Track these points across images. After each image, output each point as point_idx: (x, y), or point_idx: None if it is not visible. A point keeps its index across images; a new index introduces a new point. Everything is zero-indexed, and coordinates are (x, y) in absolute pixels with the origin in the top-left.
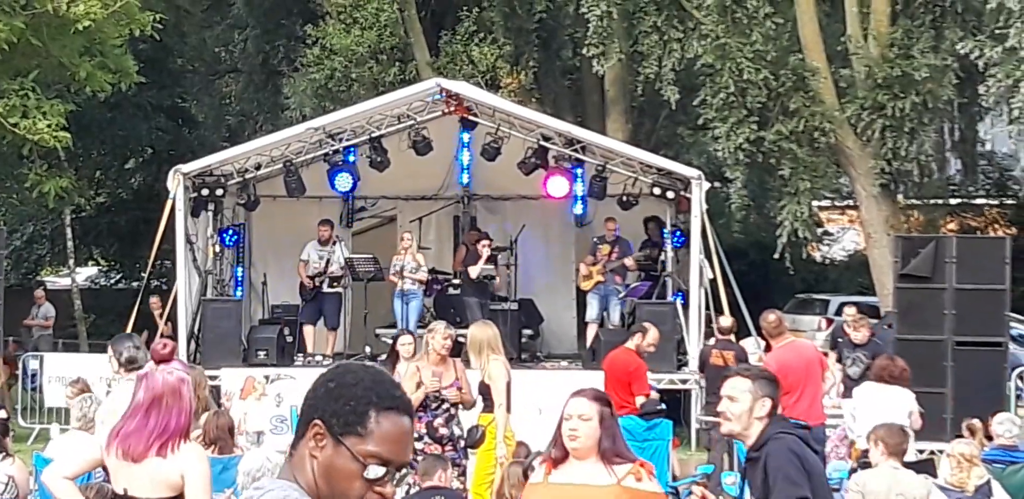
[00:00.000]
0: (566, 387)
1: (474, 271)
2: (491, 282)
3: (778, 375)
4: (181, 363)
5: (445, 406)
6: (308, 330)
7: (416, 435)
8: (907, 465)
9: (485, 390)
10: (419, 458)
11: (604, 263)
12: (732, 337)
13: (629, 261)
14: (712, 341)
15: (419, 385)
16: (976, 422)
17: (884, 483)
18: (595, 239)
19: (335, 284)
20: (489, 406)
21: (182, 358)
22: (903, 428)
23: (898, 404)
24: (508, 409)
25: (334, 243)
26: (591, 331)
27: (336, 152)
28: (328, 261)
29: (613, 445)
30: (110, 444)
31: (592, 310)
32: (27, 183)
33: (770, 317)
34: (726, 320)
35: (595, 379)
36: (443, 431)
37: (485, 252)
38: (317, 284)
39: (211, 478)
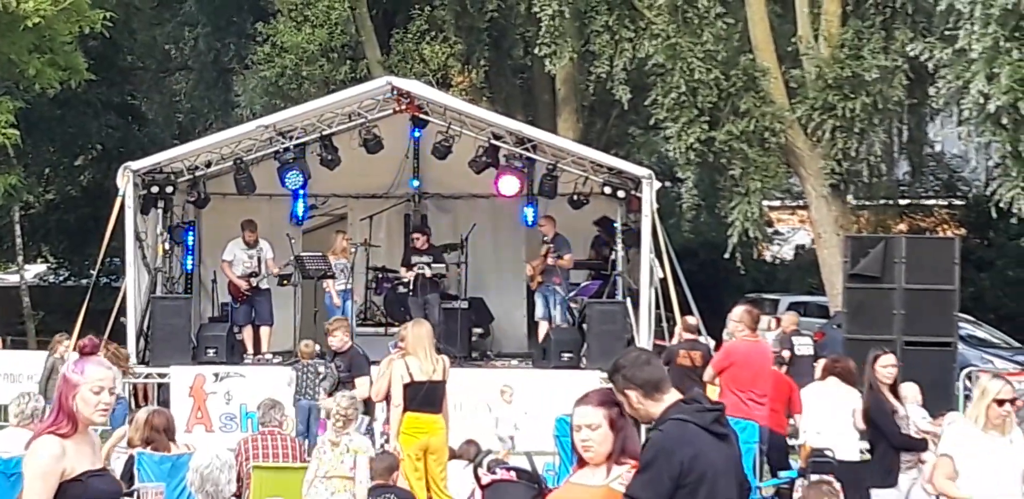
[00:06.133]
0: (516, 385)
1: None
2: (440, 280)
3: (742, 367)
4: (84, 360)
5: None
6: (247, 332)
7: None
8: (856, 464)
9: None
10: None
11: (542, 263)
12: (699, 337)
13: (563, 260)
14: (675, 341)
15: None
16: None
17: None
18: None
19: (285, 282)
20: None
21: (131, 356)
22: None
23: (845, 403)
24: (407, 408)
25: (258, 243)
26: (542, 329)
27: (287, 150)
28: (259, 260)
29: (623, 447)
30: None
31: (539, 309)
32: None
33: (753, 311)
34: (692, 319)
35: (544, 377)
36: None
37: (420, 243)
38: (253, 284)
39: (41, 475)
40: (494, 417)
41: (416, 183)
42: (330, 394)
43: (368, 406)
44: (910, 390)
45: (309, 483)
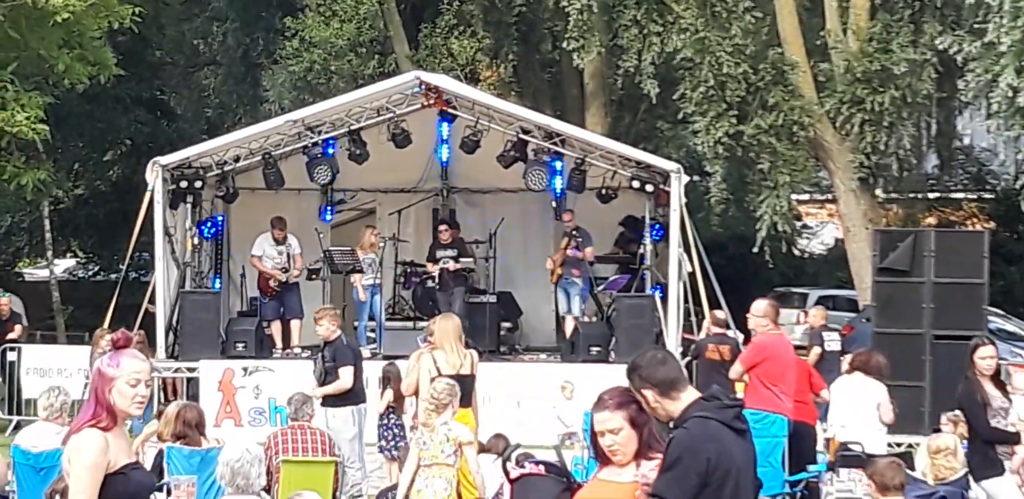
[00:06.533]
0: (545, 380)
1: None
2: (470, 274)
3: (774, 361)
4: (119, 353)
5: None
6: (276, 326)
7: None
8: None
9: None
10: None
11: (561, 256)
12: (727, 331)
13: (584, 253)
14: (703, 335)
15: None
16: (960, 413)
17: None
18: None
19: (314, 276)
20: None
21: (160, 350)
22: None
23: (869, 396)
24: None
25: (287, 239)
26: (568, 324)
27: (315, 144)
28: (288, 256)
29: (648, 442)
30: None
31: (561, 303)
32: (5, 175)
33: (775, 305)
34: (721, 313)
35: (573, 371)
36: None
37: (444, 236)
38: (283, 280)
39: (90, 467)
40: (555, 415)
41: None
42: (321, 384)
43: (352, 396)
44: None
45: (411, 474)
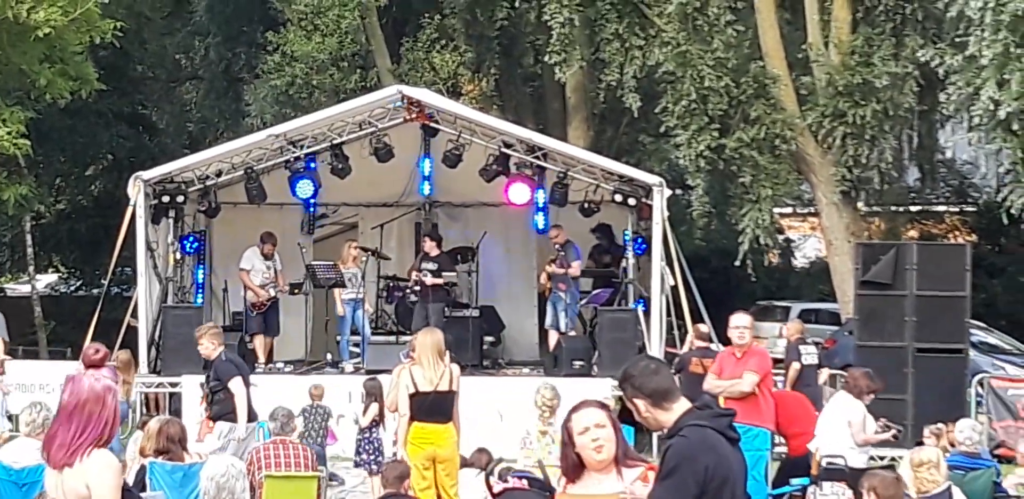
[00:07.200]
0: (527, 393)
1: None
2: (451, 288)
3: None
4: (110, 370)
5: None
6: (259, 341)
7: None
8: (865, 471)
9: None
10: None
11: (548, 271)
12: (711, 344)
13: (571, 269)
14: (686, 348)
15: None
16: (942, 426)
17: None
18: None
19: (296, 291)
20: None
21: (143, 365)
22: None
23: (843, 413)
24: (414, 418)
25: (274, 255)
26: (552, 337)
27: (297, 159)
28: (275, 271)
29: (626, 449)
30: (43, 450)
31: (548, 317)
32: None
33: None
34: (704, 327)
35: (556, 385)
36: None
37: (428, 248)
38: (272, 294)
39: (115, 488)
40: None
41: (427, 188)
42: (209, 403)
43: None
44: None
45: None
